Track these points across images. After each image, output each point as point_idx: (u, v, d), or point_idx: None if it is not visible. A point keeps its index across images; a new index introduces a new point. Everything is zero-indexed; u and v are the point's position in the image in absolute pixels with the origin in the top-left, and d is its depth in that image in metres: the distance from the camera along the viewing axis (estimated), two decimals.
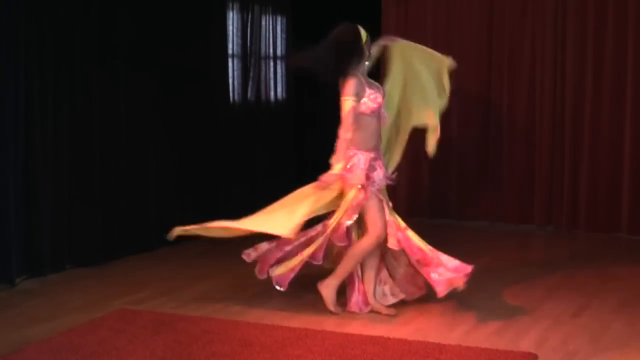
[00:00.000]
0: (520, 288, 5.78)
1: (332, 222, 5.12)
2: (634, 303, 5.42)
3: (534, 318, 5.07)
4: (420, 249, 5.13)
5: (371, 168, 5.10)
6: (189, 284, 5.88)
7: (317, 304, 5.18)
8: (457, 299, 5.45)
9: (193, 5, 7.46)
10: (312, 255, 5.18)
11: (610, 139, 7.71)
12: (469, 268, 5.06)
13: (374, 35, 8.45)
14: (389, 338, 4.60)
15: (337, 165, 5.05)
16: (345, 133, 4.99)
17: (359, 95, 5.03)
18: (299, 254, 5.24)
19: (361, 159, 5.08)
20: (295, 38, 8.80)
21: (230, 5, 8.05)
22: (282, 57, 8.78)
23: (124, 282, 5.95)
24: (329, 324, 4.90)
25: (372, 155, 5.12)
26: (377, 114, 5.13)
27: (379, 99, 5.13)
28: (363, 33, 5.13)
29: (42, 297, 5.53)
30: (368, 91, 5.08)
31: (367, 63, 5.22)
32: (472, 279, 6.03)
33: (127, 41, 6.66)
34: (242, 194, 8.19)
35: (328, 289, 5.17)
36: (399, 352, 4.36)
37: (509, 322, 4.98)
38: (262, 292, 5.53)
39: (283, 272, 5.27)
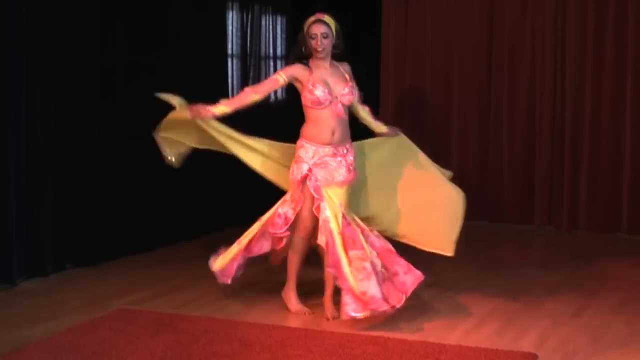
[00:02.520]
0: (520, 288, 5.78)
1: (268, 212, 5.13)
2: (634, 303, 5.42)
3: (534, 318, 5.07)
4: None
5: (322, 164, 4.96)
6: (189, 284, 5.88)
7: (317, 305, 5.17)
8: (458, 299, 5.46)
9: (193, 5, 7.45)
10: (247, 248, 5.15)
11: (610, 138, 7.71)
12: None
13: (373, 35, 8.51)
14: (389, 338, 4.60)
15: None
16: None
17: (291, 77, 5.02)
18: (236, 242, 5.19)
19: (309, 151, 4.99)
20: (295, 38, 8.78)
21: (230, 5, 8.05)
22: (282, 57, 8.77)
23: (124, 282, 5.94)
24: (329, 324, 4.90)
25: (327, 149, 4.97)
26: (323, 107, 4.95)
27: (317, 92, 4.93)
28: (305, 24, 5.07)
29: (42, 297, 5.53)
30: (310, 80, 4.96)
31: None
32: (472, 278, 6.06)
33: (127, 40, 6.66)
34: (242, 194, 8.19)
35: (284, 291, 5.19)
36: (399, 352, 4.36)
37: (509, 322, 4.98)
38: (262, 292, 5.53)
39: (224, 263, 5.20)
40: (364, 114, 5.29)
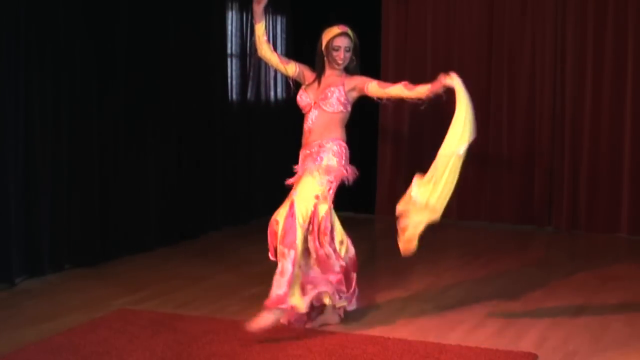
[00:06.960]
0: (520, 288, 5.78)
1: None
2: (634, 303, 5.43)
3: (534, 318, 5.07)
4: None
5: (302, 162, 4.95)
6: (189, 284, 5.88)
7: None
8: (458, 299, 5.46)
9: (193, 5, 7.46)
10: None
11: (610, 138, 7.72)
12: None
13: (373, 35, 8.51)
14: (389, 338, 4.60)
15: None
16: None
17: (300, 73, 4.99)
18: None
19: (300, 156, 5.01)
20: (295, 38, 8.80)
21: (230, 5, 8.05)
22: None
23: (124, 282, 5.94)
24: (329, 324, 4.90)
25: (305, 151, 4.95)
26: (305, 112, 4.96)
27: (306, 98, 4.93)
28: (327, 33, 4.90)
29: (42, 297, 5.53)
30: (302, 87, 4.99)
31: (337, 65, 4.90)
32: (473, 278, 6.06)
33: (127, 40, 6.66)
34: (241, 194, 8.20)
35: None
36: (399, 352, 4.37)
37: (509, 322, 4.98)
38: (262, 292, 5.51)
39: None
40: (399, 90, 5.09)
